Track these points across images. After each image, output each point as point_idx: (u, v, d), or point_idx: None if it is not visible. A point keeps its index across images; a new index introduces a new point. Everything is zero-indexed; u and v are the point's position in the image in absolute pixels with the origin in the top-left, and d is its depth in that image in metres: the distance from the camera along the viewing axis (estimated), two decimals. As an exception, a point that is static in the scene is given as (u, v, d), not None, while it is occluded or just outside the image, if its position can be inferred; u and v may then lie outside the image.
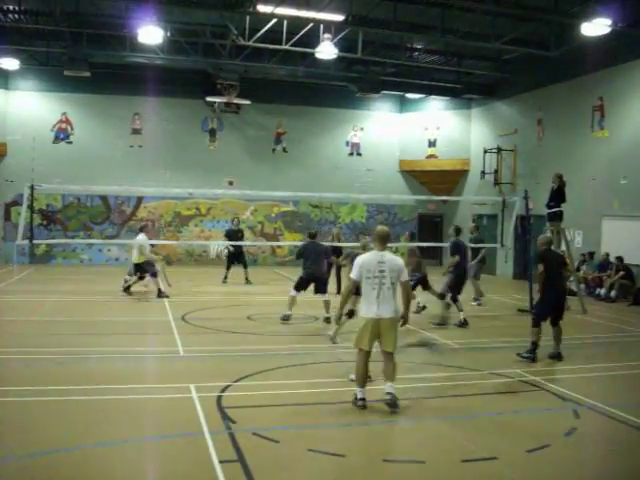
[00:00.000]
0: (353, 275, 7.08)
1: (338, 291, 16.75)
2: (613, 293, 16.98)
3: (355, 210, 26.57)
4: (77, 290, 16.53)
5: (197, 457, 5.64)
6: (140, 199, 24.40)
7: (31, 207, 15.26)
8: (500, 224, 16.82)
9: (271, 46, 19.28)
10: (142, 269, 15.61)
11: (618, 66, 18.20)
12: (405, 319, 7.28)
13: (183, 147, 24.54)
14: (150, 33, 17.53)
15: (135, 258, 15.75)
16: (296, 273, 13.79)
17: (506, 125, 23.62)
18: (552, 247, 10.54)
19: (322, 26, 18.00)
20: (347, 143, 26.59)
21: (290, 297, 12.50)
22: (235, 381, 8.04)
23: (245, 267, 18.84)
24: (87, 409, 6.91)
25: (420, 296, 13.55)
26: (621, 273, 17.06)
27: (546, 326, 9.78)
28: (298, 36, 18.46)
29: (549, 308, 9.73)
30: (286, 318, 12.38)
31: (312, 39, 18.63)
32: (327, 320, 12.13)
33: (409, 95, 26.01)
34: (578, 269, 17.63)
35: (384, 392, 6.89)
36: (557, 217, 14.64)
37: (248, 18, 17.72)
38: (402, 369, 6.85)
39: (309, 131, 25.88)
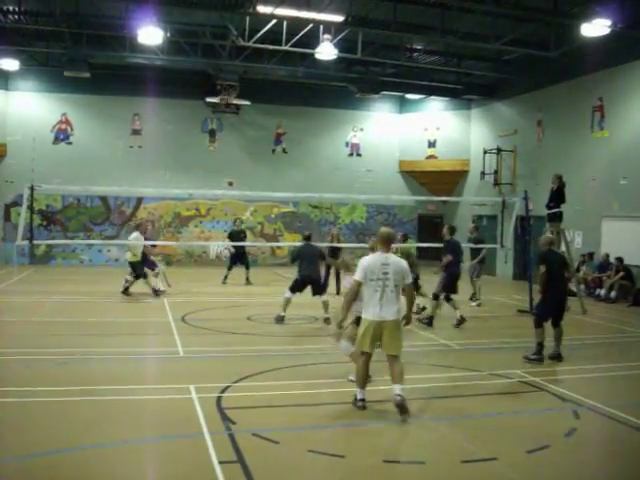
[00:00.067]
0: (357, 277, 6.98)
1: (338, 292, 16.77)
2: (613, 294, 16.99)
3: (355, 211, 26.57)
4: (77, 291, 16.52)
5: (197, 458, 5.63)
6: (140, 200, 24.41)
7: (31, 208, 15.27)
8: (500, 225, 16.84)
9: (271, 47, 19.29)
10: (136, 268, 15.57)
11: (618, 67, 18.22)
12: (408, 320, 7.23)
13: (183, 148, 24.54)
14: (150, 34, 17.53)
15: (129, 257, 15.76)
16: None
17: (506, 126, 23.63)
18: (554, 248, 10.53)
19: (322, 27, 18.01)
20: (347, 144, 26.61)
21: (285, 298, 12.50)
22: (235, 382, 8.04)
23: (247, 268, 18.86)
24: (87, 410, 6.90)
25: (418, 297, 13.54)
26: (621, 274, 17.06)
27: (547, 326, 9.78)
28: (298, 37, 18.47)
29: (550, 309, 9.71)
30: (280, 319, 12.37)
31: (312, 40, 18.63)
32: (327, 321, 12.12)
33: (409, 96, 26.03)
34: (578, 270, 17.62)
35: (393, 394, 6.73)
36: (557, 218, 14.64)
37: (248, 19, 17.73)
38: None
39: (309, 132, 25.89)
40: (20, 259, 22.26)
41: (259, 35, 18.39)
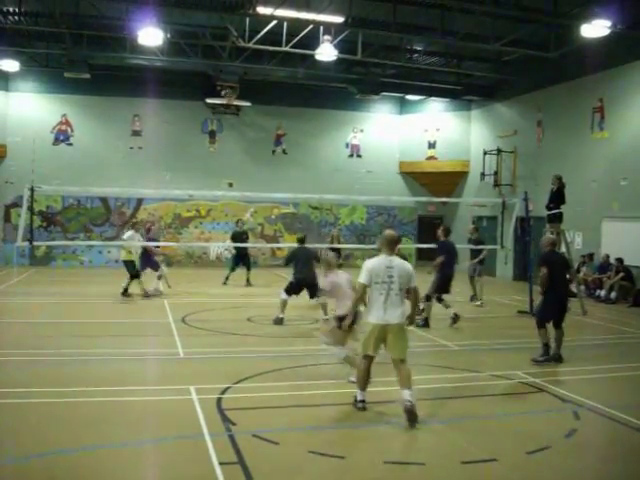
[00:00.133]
0: (362, 280, 6.86)
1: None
2: (613, 295, 16.99)
3: (355, 212, 26.58)
4: (77, 292, 16.52)
5: (197, 459, 5.63)
6: (140, 201, 24.42)
7: (31, 209, 15.28)
8: (500, 226, 16.84)
9: (271, 48, 19.29)
10: (129, 267, 15.56)
11: (618, 67, 18.22)
12: (411, 320, 7.17)
13: (183, 149, 24.56)
14: (150, 35, 17.53)
15: (123, 255, 15.77)
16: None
17: (506, 126, 23.64)
18: (556, 249, 10.50)
19: (322, 28, 18.02)
20: (347, 145, 26.62)
21: (281, 300, 12.48)
22: (235, 383, 8.04)
23: (248, 269, 18.86)
24: (86, 411, 6.90)
25: None
26: (621, 274, 17.06)
27: (548, 326, 9.77)
28: (298, 38, 18.48)
29: (552, 310, 9.67)
30: (279, 321, 12.35)
31: (312, 41, 18.63)
32: (326, 322, 12.09)
33: (409, 97, 26.05)
34: (578, 270, 17.62)
35: (403, 399, 6.62)
36: (557, 219, 14.64)
37: (248, 20, 17.74)
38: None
39: (309, 133, 25.90)
40: (20, 260, 22.28)
41: (259, 36, 18.40)
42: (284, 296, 12.49)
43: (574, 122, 19.87)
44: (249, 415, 6.95)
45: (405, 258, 13.50)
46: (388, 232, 7.20)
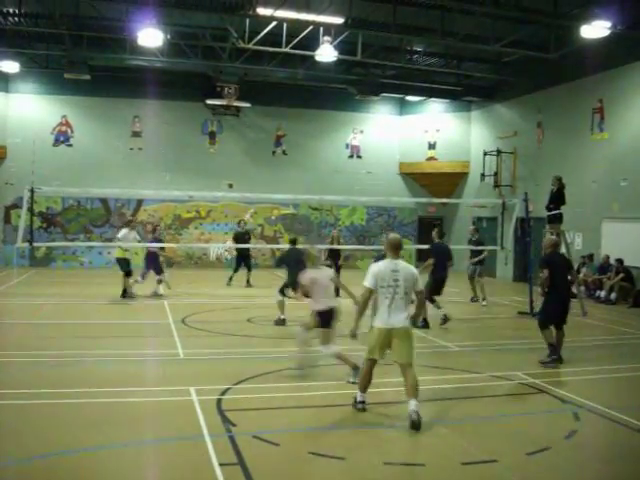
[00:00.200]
0: (367, 283, 6.78)
1: (337, 292, 16.74)
2: (613, 295, 16.98)
3: (355, 213, 26.58)
4: (77, 293, 16.52)
5: (197, 460, 5.63)
6: (140, 202, 24.43)
7: (31, 210, 15.26)
8: (500, 226, 16.84)
9: (271, 49, 19.30)
10: (121, 264, 15.54)
11: (618, 68, 18.23)
12: (414, 318, 7.10)
13: (183, 150, 24.57)
14: (150, 36, 17.53)
15: (116, 252, 15.79)
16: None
17: (506, 127, 23.65)
18: (558, 250, 10.48)
19: (322, 29, 18.02)
20: (347, 146, 26.63)
21: (277, 302, 12.46)
22: (235, 384, 8.04)
23: (249, 270, 18.86)
24: (87, 412, 6.90)
25: None
26: (621, 275, 17.06)
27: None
28: (298, 39, 18.48)
29: (554, 312, 9.62)
30: (280, 322, 12.33)
31: (312, 42, 18.63)
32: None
33: (409, 98, 26.06)
34: (578, 271, 17.62)
35: (409, 410, 6.49)
36: (557, 219, 14.64)
37: (248, 21, 17.74)
38: (399, 371, 6.80)
39: (309, 134, 25.90)
40: (20, 261, 22.27)
41: (259, 37, 18.40)
42: (279, 297, 12.47)
43: (574, 123, 19.88)
44: (249, 416, 6.95)
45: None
46: (393, 236, 7.13)
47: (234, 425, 6.48)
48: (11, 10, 18.01)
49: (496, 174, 23.53)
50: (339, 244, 17.79)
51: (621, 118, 18.28)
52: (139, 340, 11.05)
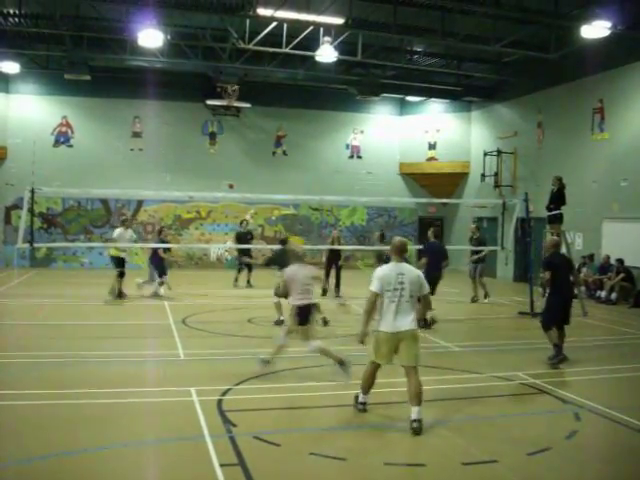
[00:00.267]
0: (373, 287, 6.70)
1: (337, 293, 16.76)
2: (614, 295, 16.98)
3: (355, 213, 26.58)
4: (78, 293, 16.51)
5: (198, 461, 5.63)
6: (140, 202, 24.43)
7: (31, 210, 15.24)
8: (500, 227, 16.84)
9: (271, 49, 19.30)
10: (120, 263, 15.52)
11: (618, 68, 18.22)
12: (418, 321, 7.03)
13: (183, 150, 24.57)
14: (150, 36, 17.52)
15: (111, 251, 15.80)
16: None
17: (506, 128, 23.64)
18: (559, 250, 10.46)
19: (322, 29, 18.01)
20: (347, 146, 26.63)
21: (274, 303, 12.44)
22: (236, 384, 8.04)
23: (250, 270, 18.83)
24: (88, 413, 6.91)
25: None
26: (621, 275, 17.06)
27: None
28: (298, 39, 18.48)
29: (556, 314, 9.59)
30: (280, 323, 12.33)
31: (312, 42, 18.64)
32: (324, 320, 12.02)
33: (409, 98, 26.06)
34: (579, 271, 17.62)
35: (410, 419, 6.41)
36: (557, 220, 14.65)
37: (248, 21, 17.73)
38: (401, 372, 6.79)
39: (309, 134, 25.90)
40: (21, 262, 22.27)
41: (259, 38, 18.40)
42: (275, 299, 12.44)
43: (574, 123, 19.87)
44: (250, 416, 6.95)
45: (380, 257, 13.68)
46: (398, 239, 7.08)
47: (235, 425, 6.48)
48: (11, 11, 18.00)
49: (496, 174, 23.52)
50: (339, 244, 17.79)
51: (621, 118, 18.27)
52: (140, 341, 11.05)
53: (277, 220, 25.82)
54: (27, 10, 17.97)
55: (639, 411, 7.28)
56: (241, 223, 20.34)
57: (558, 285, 9.51)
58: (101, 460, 5.65)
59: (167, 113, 24.48)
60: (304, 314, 8.52)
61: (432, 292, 12.73)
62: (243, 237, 19.10)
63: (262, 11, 16.18)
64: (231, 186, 24.53)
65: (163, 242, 16.66)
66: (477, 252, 16.72)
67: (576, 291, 15.02)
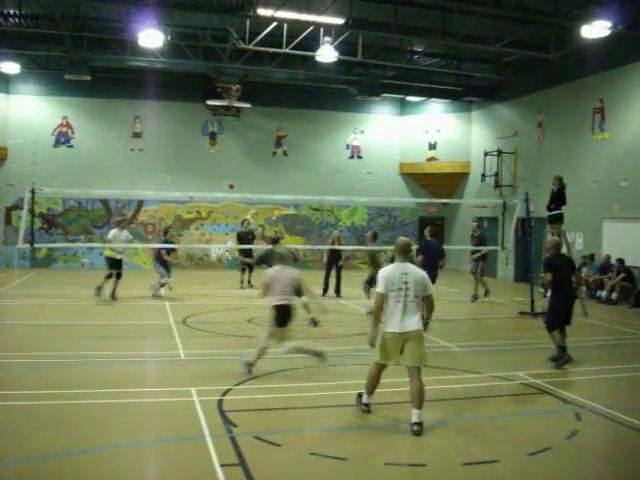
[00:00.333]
0: (379, 288, 6.69)
1: (337, 292, 16.78)
2: (614, 295, 16.97)
3: (355, 213, 26.58)
4: (78, 294, 16.50)
5: (198, 461, 5.63)
6: (141, 203, 24.43)
7: (32, 211, 15.25)
8: (501, 227, 16.85)
9: (271, 49, 19.30)
10: (115, 264, 15.50)
11: (618, 68, 18.22)
12: (425, 326, 6.95)
13: (183, 150, 24.57)
14: (150, 37, 17.52)
15: (105, 251, 15.81)
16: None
17: (506, 128, 23.64)
18: (560, 250, 10.44)
19: (322, 29, 18.02)
20: (347, 146, 26.62)
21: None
22: (236, 384, 8.04)
23: (251, 270, 18.81)
24: (89, 413, 6.91)
25: None
26: (622, 275, 17.05)
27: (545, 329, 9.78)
28: (298, 39, 18.47)
29: (559, 315, 9.57)
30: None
31: (312, 42, 18.64)
32: (313, 321, 11.93)
33: (409, 98, 26.05)
34: (579, 271, 17.62)
35: (410, 422, 6.40)
36: (558, 219, 14.64)
37: (248, 22, 17.73)
38: (402, 372, 6.79)
39: (309, 134, 25.90)
40: (21, 262, 22.27)
41: (259, 38, 18.40)
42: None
43: (575, 123, 19.87)
44: (250, 417, 6.95)
45: (373, 257, 13.67)
46: (402, 239, 7.06)
47: (235, 426, 6.48)
48: (12, 11, 18.01)
49: (497, 174, 23.51)
50: (340, 244, 17.80)
51: (622, 118, 18.26)
52: (140, 341, 11.06)
53: (277, 220, 25.82)
54: (27, 10, 17.97)
55: (640, 411, 7.29)
56: (242, 223, 20.35)
57: (560, 286, 9.49)
58: (101, 460, 5.65)
59: (167, 113, 24.48)
60: (283, 314, 8.58)
61: None
62: (244, 237, 19.08)
63: (262, 11, 16.18)
64: (231, 186, 24.54)
65: (168, 242, 16.63)
66: (478, 250, 16.85)
67: (578, 292, 15.06)
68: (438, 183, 25.93)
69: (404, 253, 6.89)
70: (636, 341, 12.04)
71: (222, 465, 5.48)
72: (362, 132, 26.69)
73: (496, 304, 16.43)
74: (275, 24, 17.37)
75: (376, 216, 26.70)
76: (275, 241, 13.34)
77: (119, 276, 15.53)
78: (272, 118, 25.54)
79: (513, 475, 5.56)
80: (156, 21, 17.14)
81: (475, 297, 16.58)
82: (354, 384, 7.63)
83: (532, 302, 14.21)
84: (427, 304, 6.87)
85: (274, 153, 25.87)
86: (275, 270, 8.84)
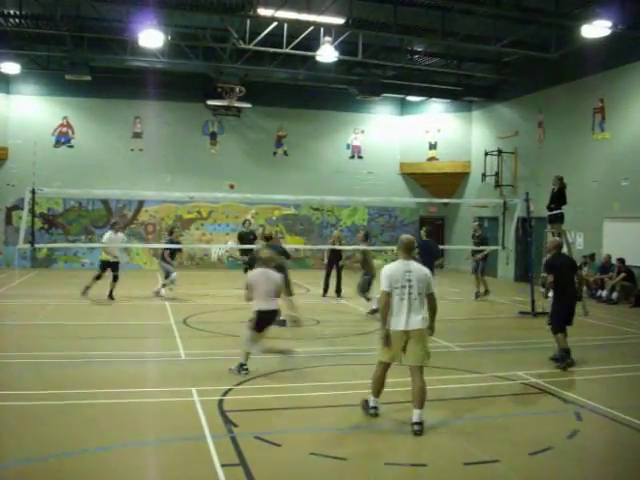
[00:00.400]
0: (383, 286, 6.66)
1: (338, 292, 16.77)
2: (615, 295, 16.97)
3: (356, 213, 26.57)
4: (78, 294, 16.48)
5: (199, 461, 5.62)
6: (141, 203, 24.43)
7: (32, 211, 15.24)
8: (501, 226, 16.84)
9: (272, 49, 19.30)
10: (112, 267, 15.51)
11: (618, 68, 18.21)
12: (432, 330, 6.90)
13: (184, 150, 24.57)
14: (151, 37, 17.52)
15: (101, 256, 15.82)
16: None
17: (507, 127, 23.63)
18: (561, 251, 10.43)
19: (322, 29, 18.01)
20: (348, 146, 26.62)
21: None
22: (237, 385, 8.04)
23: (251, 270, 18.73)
24: (88, 413, 6.90)
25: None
26: (622, 275, 17.04)
27: (547, 329, 9.77)
28: (299, 39, 18.47)
29: (563, 316, 9.54)
30: (281, 323, 12.28)
31: (312, 42, 18.64)
32: (293, 319, 11.85)
33: (410, 98, 26.05)
34: (580, 269, 17.64)
35: (411, 422, 6.41)
36: (558, 219, 14.64)
37: (249, 22, 17.73)
38: (403, 372, 6.79)
39: (310, 134, 25.89)
40: (22, 262, 22.29)
41: (260, 38, 18.40)
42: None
43: (575, 123, 19.86)
44: (251, 417, 6.95)
45: (365, 255, 13.64)
46: (405, 237, 7.01)
47: (236, 426, 6.48)
48: (12, 12, 18.02)
49: (497, 174, 23.51)
50: (340, 244, 17.78)
51: (622, 118, 18.26)
52: (140, 341, 11.06)
53: (278, 220, 25.82)
54: (28, 11, 17.99)
55: (640, 411, 7.28)
56: (244, 223, 20.32)
57: (562, 287, 9.46)
58: (101, 460, 5.65)
59: (168, 113, 24.48)
60: (265, 320, 8.62)
61: None
62: (246, 237, 19.05)
63: (262, 11, 16.19)
64: (232, 186, 24.54)
65: (173, 242, 16.61)
66: (479, 250, 16.92)
67: (581, 292, 15.03)
68: (438, 183, 25.93)
69: (408, 251, 6.86)
70: (637, 341, 12.04)
71: (223, 465, 5.47)
72: (362, 132, 26.69)
73: (496, 304, 16.44)
74: (275, 24, 17.37)
75: (376, 216, 26.70)
76: (268, 238, 13.29)
77: (115, 278, 15.52)
78: (272, 118, 25.54)
79: (514, 475, 5.56)
80: (156, 21, 17.14)
81: (478, 294, 16.72)
82: (354, 384, 7.63)
83: (533, 302, 14.22)
84: (430, 305, 6.83)
85: (274, 153, 25.88)
86: (255, 273, 8.87)
